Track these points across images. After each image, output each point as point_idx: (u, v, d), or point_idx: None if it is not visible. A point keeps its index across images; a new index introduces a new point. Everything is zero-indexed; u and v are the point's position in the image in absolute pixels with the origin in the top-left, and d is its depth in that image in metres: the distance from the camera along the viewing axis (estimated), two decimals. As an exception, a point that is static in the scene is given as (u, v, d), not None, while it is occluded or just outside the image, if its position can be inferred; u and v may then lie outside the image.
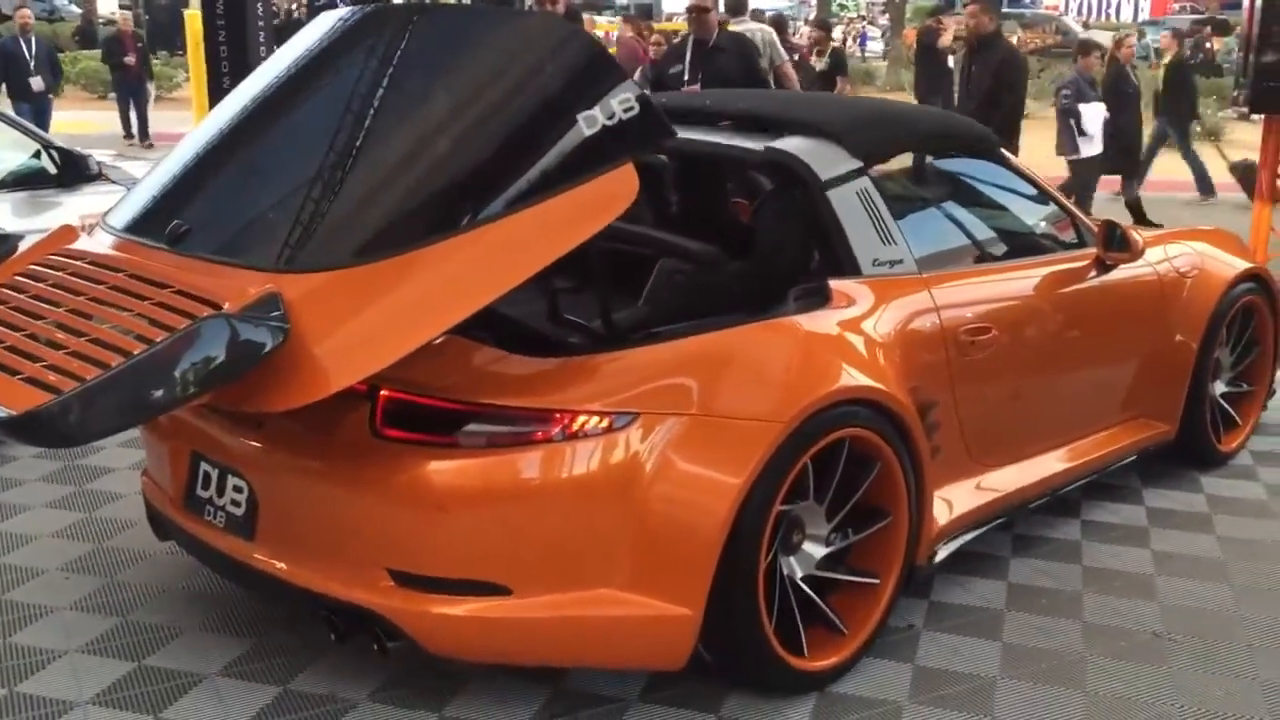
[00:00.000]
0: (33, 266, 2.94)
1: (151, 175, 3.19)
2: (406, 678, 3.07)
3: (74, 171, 5.70)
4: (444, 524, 2.67)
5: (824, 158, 3.45)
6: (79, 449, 4.62)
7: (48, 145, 5.83)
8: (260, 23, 7.83)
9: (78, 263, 2.88)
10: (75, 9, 31.92)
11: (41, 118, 12.12)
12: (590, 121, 2.69)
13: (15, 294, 2.84)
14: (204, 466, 3.05)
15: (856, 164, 3.45)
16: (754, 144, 3.60)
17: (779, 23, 13.09)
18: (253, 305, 2.45)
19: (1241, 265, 4.60)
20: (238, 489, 2.94)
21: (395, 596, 2.71)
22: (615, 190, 2.73)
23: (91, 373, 2.40)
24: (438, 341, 2.90)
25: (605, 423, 2.74)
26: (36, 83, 12.21)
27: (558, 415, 2.72)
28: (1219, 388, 4.65)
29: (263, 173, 2.99)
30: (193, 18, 13.46)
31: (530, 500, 2.71)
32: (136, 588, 3.54)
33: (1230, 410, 4.70)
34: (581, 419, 2.73)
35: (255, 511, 2.90)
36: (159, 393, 2.41)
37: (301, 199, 2.71)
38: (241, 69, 7.61)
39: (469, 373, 2.80)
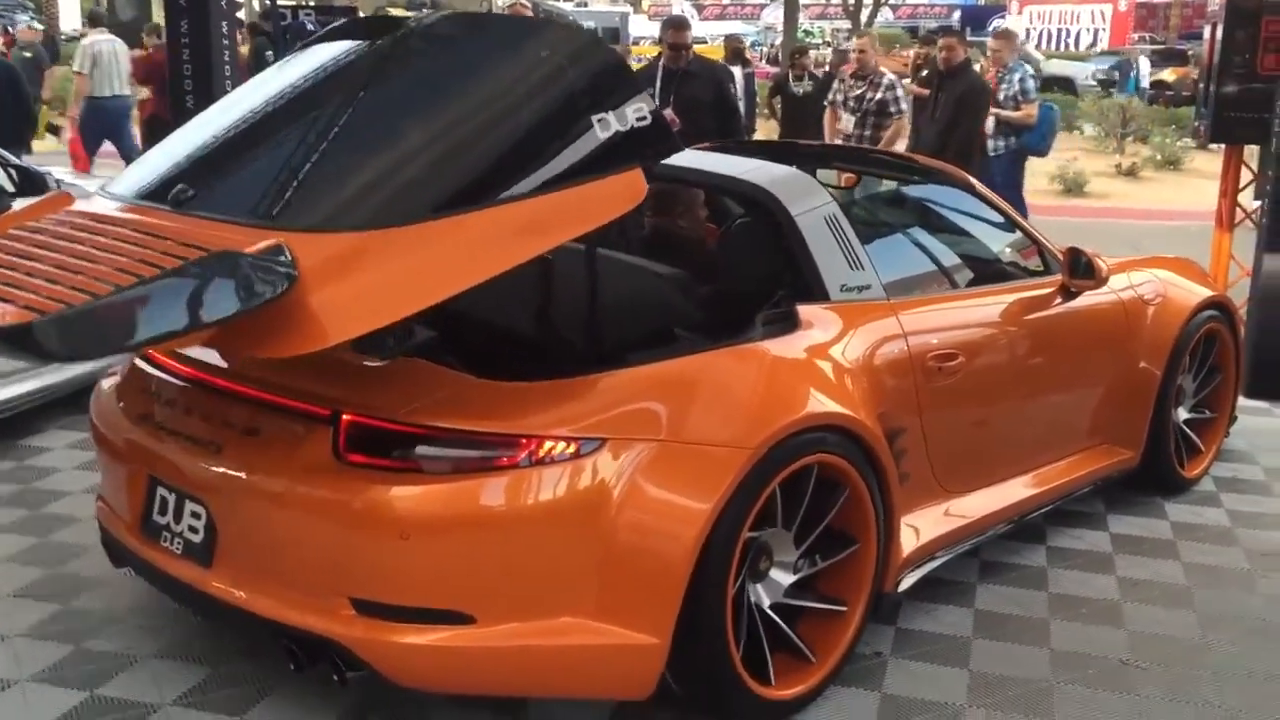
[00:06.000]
0: (28, 222, 2.87)
1: (152, 151, 3.16)
2: (367, 708, 3.01)
3: (32, 189, 5.60)
4: (407, 551, 2.62)
5: (793, 187, 3.46)
6: (33, 474, 4.54)
7: (5, 162, 5.73)
8: (225, 42, 7.76)
9: (77, 219, 2.81)
10: (38, 25, 31.57)
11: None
12: (604, 125, 2.73)
13: (10, 242, 2.75)
14: (161, 491, 2.98)
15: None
16: (725, 170, 3.60)
17: (737, 45, 13.11)
18: (263, 251, 2.41)
19: (1204, 293, 4.64)
20: (195, 514, 2.88)
21: (356, 625, 2.66)
22: (622, 191, 2.76)
23: (94, 295, 2.33)
24: (401, 365, 2.87)
25: (572, 448, 2.71)
26: None
27: (524, 441, 2.69)
28: (1182, 414, 4.68)
29: (276, 143, 2.95)
30: (156, 36, 13.36)
31: (495, 527, 2.67)
32: (90, 615, 3.46)
33: (1193, 437, 4.73)
34: (548, 444, 2.69)
35: (213, 538, 2.84)
36: (161, 318, 2.34)
37: (317, 167, 2.69)
38: (205, 89, 7.54)
39: (434, 397, 2.76)
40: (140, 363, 3.28)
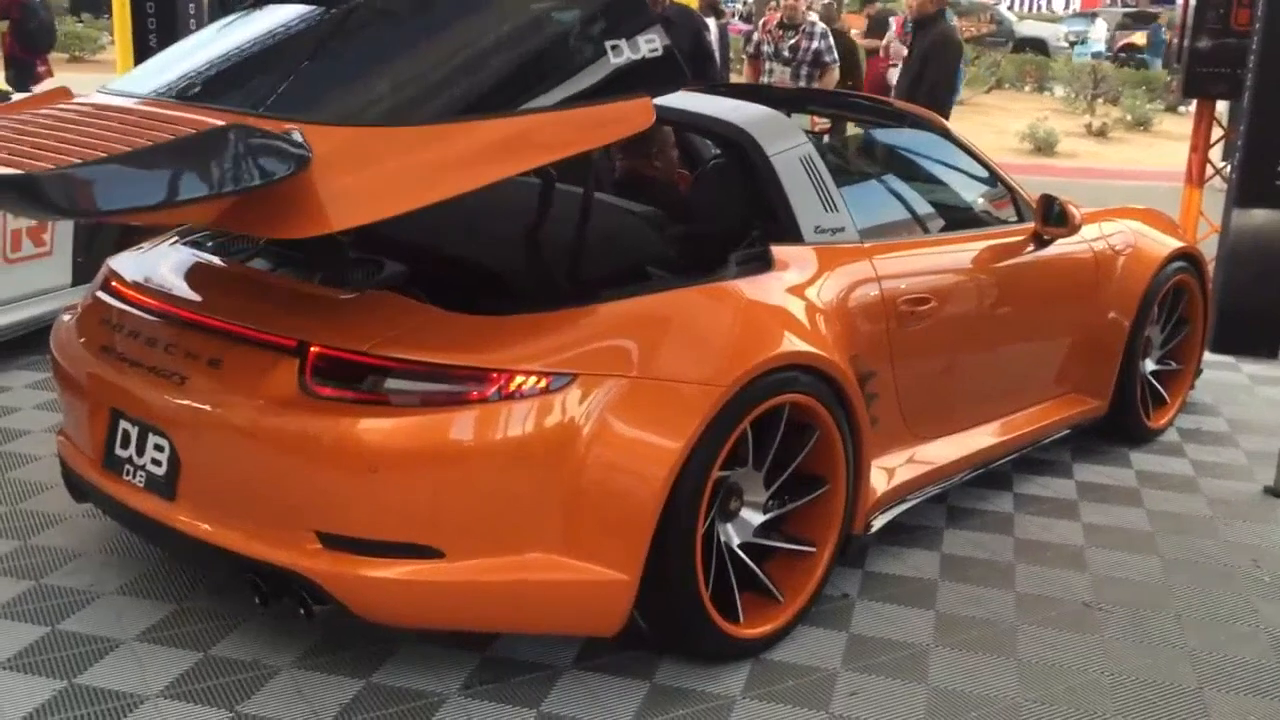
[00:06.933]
0: (28, 110, 2.83)
1: (151, 60, 3.15)
2: (333, 643, 2.99)
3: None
4: (374, 484, 2.59)
5: (769, 127, 3.44)
6: (-8, 410, 4.47)
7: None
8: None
9: (81, 107, 2.78)
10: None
11: None
12: (617, 51, 2.79)
13: (14, 122, 2.72)
14: (123, 424, 2.93)
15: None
16: (702, 109, 3.56)
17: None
18: (278, 133, 2.40)
19: (1174, 244, 4.66)
20: (158, 447, 2.84)
21: (323, 559, 2.63)
22: (632, 114, 2.83)
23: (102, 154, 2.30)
24: (370, 298, 2.83)
25: (542, 383, 2.68)
26: None
27: (494, 375, 2.65)
28: (1149, 365, 4.71)
29: (292, 46, 2.92)
30: (119, -23, 13.05)
31: (464, 461, 2.64)
32: (52, 551, 3.41)
33: (1159, 388, 4.76)
34: (518, 379, 2.66)
35: (177, 471, 2.80)
36: (174, 180, 2.31)
37: (334, 68, 2.74)
38: (169, 31, 7.39)
39: (403, 329, 2.72)
40: (102, 294, 3.22)
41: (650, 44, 2.83)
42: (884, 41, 9.41)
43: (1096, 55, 25.00)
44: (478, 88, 2.70)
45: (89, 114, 2.71)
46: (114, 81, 3.08)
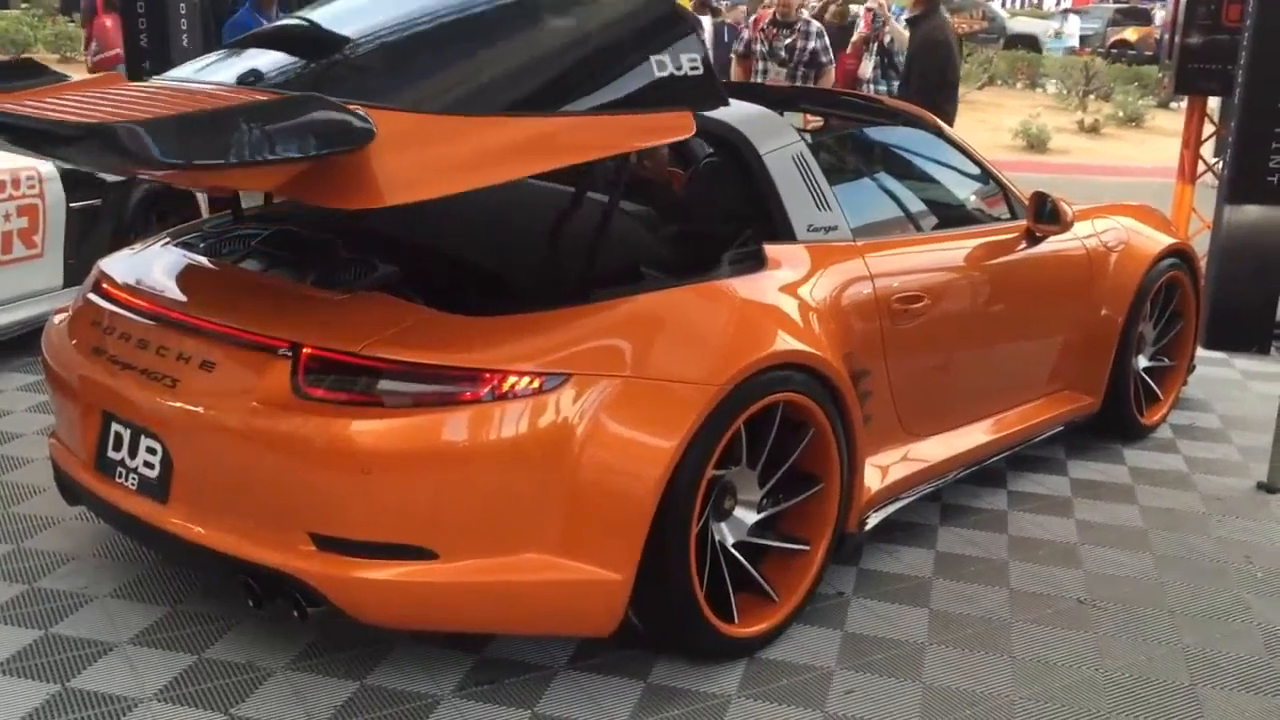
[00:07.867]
0: (87, 89, 2.87)
1: (196, 60, 3.22)
2: (327, 645, 2.99)
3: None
4: (368, 486, 2.58)
5: (761, 126, 3.44)
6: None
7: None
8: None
9: (144, 85, 2.86)
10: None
11: None
12: (661, 66, 2.87)
13: (79, 95, 2.75)
14: (115, 427, 2.93)
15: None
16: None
17: None
18: (347, 108, 2.46)
19: (1166, 240, 4.67)
20: (151, 450, 2.83)
21: (316, 561, 2.63)
22: (672, 124, 2.92)
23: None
24: (363, 298, 2.83)
25: (536, 384, 2.67)
26: None
27: (487, 375, 2.65)
28: (1142, 362, 4.72)
29: (347, 39, 2.96)
30: (109, -24, 13.00)
31: (457, 462, 2.63)
32: (45, 554, 3.40)
33: (1152, 384, 4.77)
34: (511, 379, 2.66)
35: (169, 473, 2.79)
36: (245, 138, 2.33)
37: (392, 58, 2.83)
38: (161, 33, 7.36)
39: (396, 330, 2.71)
40: (93, 296, 3.21)
41: (692, 61, 2.91)
42: (854, 37, 9.34)
43: (1069, 50, 25.80)
44: (525, 87, 2.78)
45: (154, 90, 2.77)
46: (164, 73, 3.17)
